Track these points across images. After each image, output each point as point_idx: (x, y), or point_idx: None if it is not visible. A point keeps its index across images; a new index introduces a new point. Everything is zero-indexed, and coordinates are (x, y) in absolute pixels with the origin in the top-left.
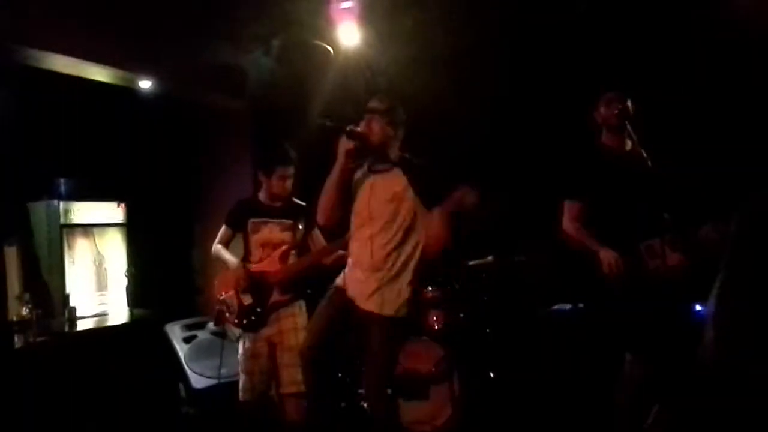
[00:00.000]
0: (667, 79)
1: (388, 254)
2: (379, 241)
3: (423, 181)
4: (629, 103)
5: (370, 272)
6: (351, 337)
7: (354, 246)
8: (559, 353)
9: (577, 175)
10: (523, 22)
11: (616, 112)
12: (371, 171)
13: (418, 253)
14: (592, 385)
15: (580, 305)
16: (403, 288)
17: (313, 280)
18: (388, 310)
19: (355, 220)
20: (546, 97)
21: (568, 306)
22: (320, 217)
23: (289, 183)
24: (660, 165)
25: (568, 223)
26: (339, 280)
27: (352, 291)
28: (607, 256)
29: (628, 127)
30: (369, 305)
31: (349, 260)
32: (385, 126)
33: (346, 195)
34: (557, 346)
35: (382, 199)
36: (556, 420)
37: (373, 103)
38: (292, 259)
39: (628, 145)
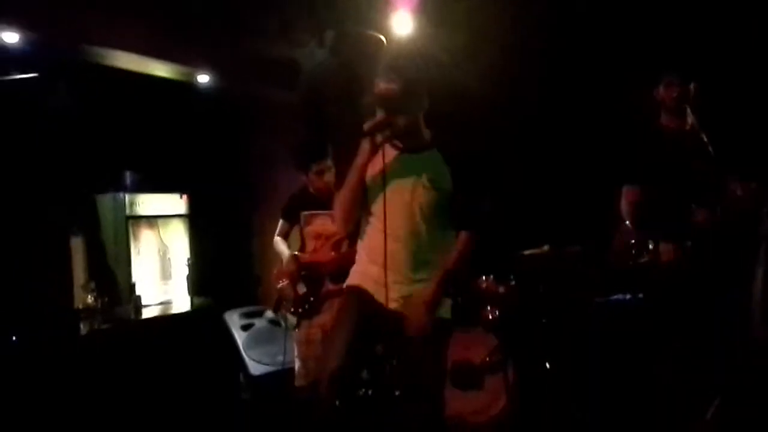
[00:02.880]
0: (730, 61)
1: (428, 263)
2: (419, 246)
3: (464, 166)
4: (691, 86)
5: (409, 285)
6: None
7: (374, 242)
8: (615, 344)
9: (635, 158)
10: (582, 4)
11: (675, 95)
12: (403, 152)
13: (466, 246)
14: (648, 375)
15: (639, 295)
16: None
17: None
18: (442, 314)
19: (377, 213)
20: (604, 81)
21: (627, 296)
22: (341, 226)
23: (327, 176)
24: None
25: (626, 208)
26: (355, 278)
27: (378, 293)
28: (665, 248)
29: (688, 110)
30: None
31: (363, 255)
32: (408, 108)
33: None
34: (614, 336)
35: (420, 186)
36: (610, 410)
37: (384, 86)
38: (344, 249)
39: (688, 125)
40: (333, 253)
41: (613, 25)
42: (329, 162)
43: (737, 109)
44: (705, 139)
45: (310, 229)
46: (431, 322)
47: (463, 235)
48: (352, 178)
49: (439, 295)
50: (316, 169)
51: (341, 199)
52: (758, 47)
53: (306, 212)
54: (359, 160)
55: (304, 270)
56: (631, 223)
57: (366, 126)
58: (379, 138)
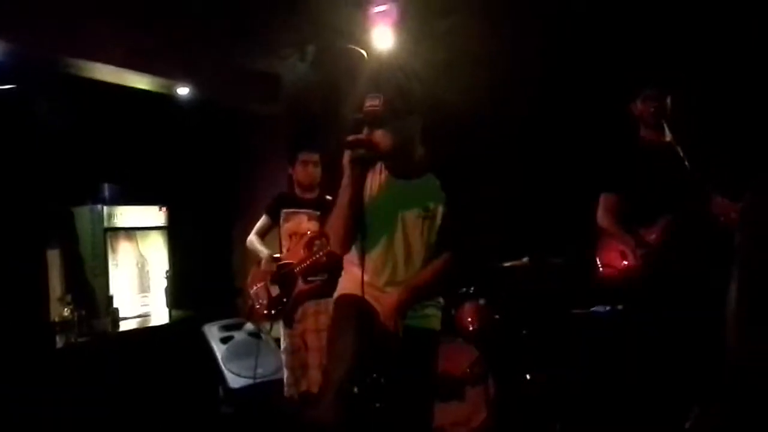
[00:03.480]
0: (709, 74)
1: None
2: (411, 269)
3: (458, 186)
4: (667, 101)
5: (395, 292)
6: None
7: (372, 268)
8: (596, 355)
9: (613, 167)
10: (559, 20)
11: (652, 109)
12: (396, 176)
13: (444, 265)
14: (631, 387)
15: (619, 307)
16: (439, 300)
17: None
18: (432, 326)
19: (372, 241)
20: (583, 94)
21: (606, 307)
22: (337, 247)
23: (312, 169)
24: (696, 163)
25: (602, 215)
26: (347, 288)
27: (374, 302)
28: (627, 242)
29: (665, 124)
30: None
31: (353, 270)
32: (391, 131)
33: (361, 211)
34: (594, 348)
35: (413, 215)
36: (592, 423)
37: (369, 105)
38: (317, 248)
39: (666, 138)
40: (305, 253)
41: (595, 40)
42: (316, 156)
43: (716, 122)
44: (680, 153)
45: (286, 227)
46: (401, 325)
47: (444, 255)
48: (342, 198)
49: (407, 302)
50: (302, 158)
51: (334, 219)
52: (737, 60)
53: (286, 210)
54: (345, 178)
55: (279, 270)
56: (605, 229)
57: (349, 138)
58: (359, 153)
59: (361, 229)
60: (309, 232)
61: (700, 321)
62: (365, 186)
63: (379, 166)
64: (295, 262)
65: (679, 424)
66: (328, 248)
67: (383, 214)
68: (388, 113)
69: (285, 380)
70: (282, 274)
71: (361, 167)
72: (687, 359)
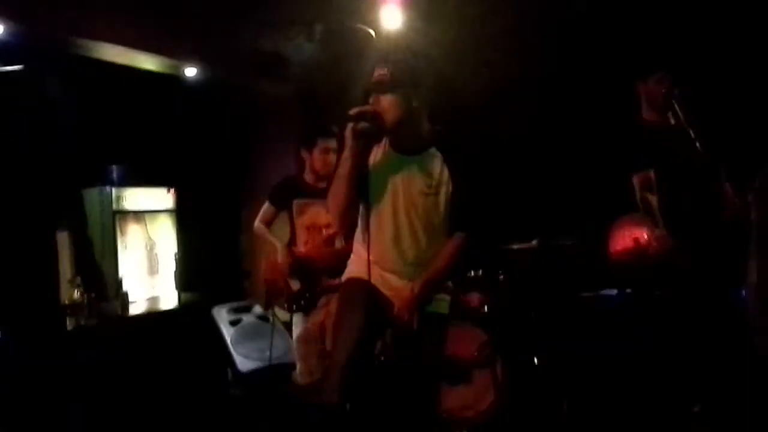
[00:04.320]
0: (719, 61)
1: (427, 261)
2: (415, 246)
3: (464, 164)
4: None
5: (406, 280)
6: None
7: (377, 247)
8: (604, 338)
9: (643, 146)
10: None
11: (664, 90)
12: (399, 151)
13: (458, 249)
14: (638, 371)
15: (628, 290)
16: (448, 284)
17: None
18: (441, 309)
19: (376, 219)
20: (593, 76)
21: (614, 291)
22: (335, 220)
23: (331, 157)
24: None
25: (641, 195)
26: (355, 271)
27: (384, 288)
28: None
29: (675, 106)
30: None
31: (365, 253)
32: (398, 100)
33: (361, 188)
34: (603, 331)
35: (416, 190)
36: (598, 406)
37: (377, 74)
38: (338, 243)
39: (672, 121)
40: (328, 248)
41: (606, 20)
42: (334, 142)
43: (727, 108)
44: (692, 136)
45: (303, 219)
46: (416, 318)
47: (457, 235)
48: (341, 169)
49: (426, 294)
50: (321, 146)
51: (333, 191)
52: (750, 48)
53: (299, 200)
54: (346, 150)
55: (298, 264)
56: (647, 209)
57: (351, 111)
58: (363, 125)
59: (364, 207)
60: (330, 227)
61: (711, 305)
62: (369, 162)
63: (384, 141)
64: (316, 257)
65: (687, 407)
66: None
67: (383, 188)
68: (396, 82)
69: (298, 370)
70: (302, 269)
71: (364, 140)
72: (696, 341)
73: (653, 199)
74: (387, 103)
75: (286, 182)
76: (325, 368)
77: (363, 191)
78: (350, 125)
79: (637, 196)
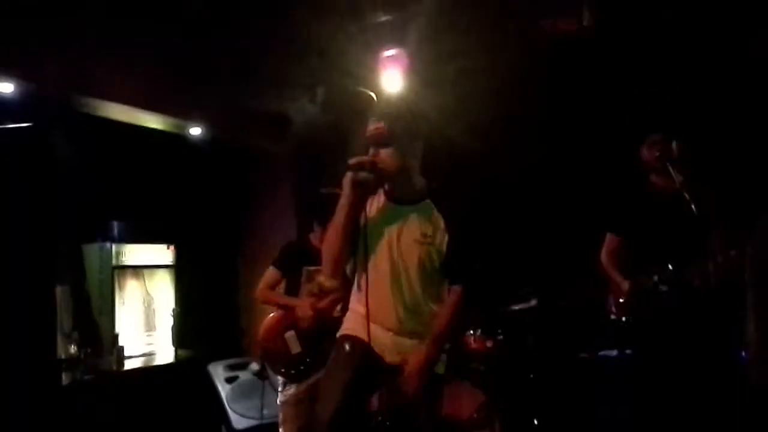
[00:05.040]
0: (715, 119)
1: (422, 314)
2: (410, 299)
3: (459, 218)
4: (673, 145)
5: (403, 337)
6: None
7: (375, 300)
8: (604, 400)
9: (617, 210)
10: (568, 67)
11: (657, 154)
12: (395, 202)
13: (458, 303)
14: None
15: (627, 351)
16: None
17: None
18: (436, 369)
19: (373, 269)
20: (591, 138)
21: (614, 352)
22: (329, 270)
23: None
24: (706, 207)
25: (604, 254)
26: (349, 328)
27: (379, 347)
28: (623, 287)
29: (670, 168)
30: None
31: (361, 308)
32: (395, 152)
33: (357, 229)
34: (602, 392)
35: (411, 239)
36: None
37: (374, 127)
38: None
39: (677, 184)
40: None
41: (603, 83)
42: None
43: (722, 165)
44: (687, 198)
45: (311, 286)
46: (425, 383)
47: (455, 290)
48: (338, 218)
49: (436, 356)
50: (320, 234)
51: (328, 239)
52: (742, 104)
53: (309, 268)
54: (343, 198)
55: (317, 321)
56: (605, 270)
57: (350, 161)
58: (361, 175)
59: (360, 261)
60: (335, 291)
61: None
62: (363, 211)
63: (379, 192)
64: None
65: None
66: None
67: (379, 238)
68: (393, 135)
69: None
70: (306, 332)
71: (362, 189)
72: (695, 403)
73: (613, 264)
74: (384, 155)
75: (292, 247)
76: (310, 425)
77: (359, 244)
78: (348, 174)
79: (603, 256)
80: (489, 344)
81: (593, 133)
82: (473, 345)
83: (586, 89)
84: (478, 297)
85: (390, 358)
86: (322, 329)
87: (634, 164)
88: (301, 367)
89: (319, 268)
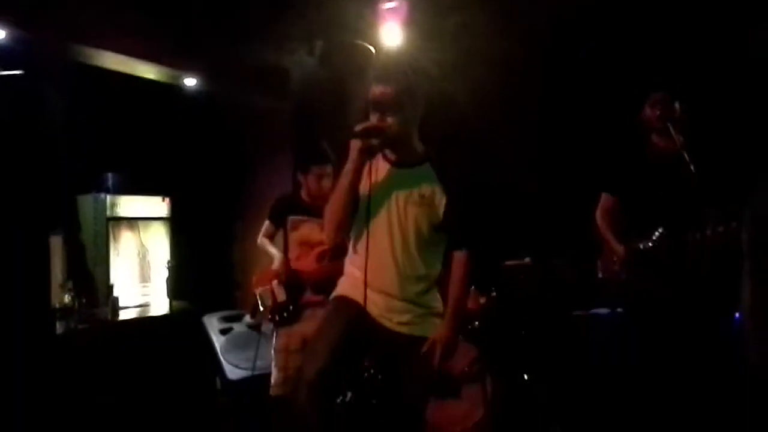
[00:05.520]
0: (718, 80)
1: (419, 278)
2: (408, 262)
3: (457, 182)
4: (676, 105)
5: (400, 302)
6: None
7: (372, 263)
8: (594, 357)
9: (614, 170)
10: (570, 22)
11: (659, 113)
12: (394, 165)
13: (467, 268)
14: (628, 390)
15: (619, 310)
16: (438, 307)
17: None
18: (427, 332)
19: (372, 232)
20: (591, 97)
21: (605, 310)
22: (331, 233)
23: (326, 182)
24: (704, 169)
25: (599, 214)
26: (344, 290)
27: (375, 310)
28: (617, 249)
29: (671, 129)
30: (402, 329)
31: (356, 272)
32: (400, 117)
33: (357, 201)
34: (593, 349)
35: (410, 201)
36: (589, 426)
37: (378, 90)
38: (327, 261)
39: (677, 145)
40: (317, 264)
41: (605, 41)
42: (329, 168)
43: (722, 127)
44: (687, 159)
45: (295, 235)
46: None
47: (461, 254)
48: (342, 182)
49: (458, 328)
50: (317, 171)
51: (331, 204)
52: (743, 66)
53: (293, 217)
54: (349, 164)
55: (290, 276)
56: (599, 229)
57: (357, 127)
58: (370, 141)
59: (357, 226)
60: (322, 244)
61: (696, 331)
62: (363, 177)
63: (378, 157)
64: (304, 272)
65: (679, 425)
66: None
67: (381, 202)
68: (398, 100)
69: (273, 379)
70: (290, 281)
71: (369, 155)
72: (685, 363)
73: (607, 224)
74: (389, 119)
75: (283, 200)
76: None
77: (360, 208)
78: (356, 141)
79: (598, 215)
80: (482, 300)
81: (594, 91)
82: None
83: (589, 47)
84: (477, 255)
85: (384, 321)
86: (307, 279)
87: (635, 123)
88: (285, 314)
89: (304, 218)
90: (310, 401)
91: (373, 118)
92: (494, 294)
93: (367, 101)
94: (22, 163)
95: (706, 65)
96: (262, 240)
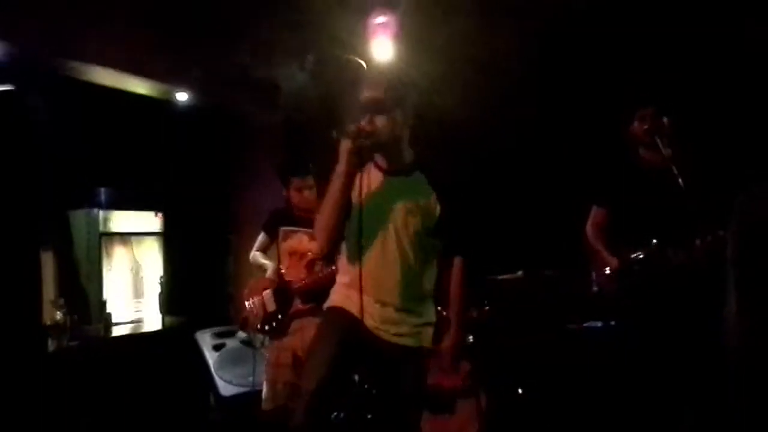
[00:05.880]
0: (706, 95)
1: (416, 288)
2: (405, 271)
3: (451, 188)
4: (664, 120)
5: (398, 313)
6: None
7: (369, 273)
8: (589, 371)
9: (604, 183)
10: (560, 36)
11: (647, 127)
12: (386, 173)
13: (463, 276)
14: (622, 404)
15: (612, 323)
16: (432, 318)
17: None
18: (425, 343)
19: (366, 242)
20: (581, 109)
21: (599, 323)
22: (321, 242)
23: (307, 194)
24: (692, 182)
25: (589, 227)
26: (337, 300)
27: (371, 321)
28: (609, 262)
29: (659, 142)
30: (399, 340)
31: (347, 279)
32: (390, 120)
33: (349, 209)
34: (587, 363)
35: (405, 210)
36: None
37: (369, 93)
38: (318, 270)
39: (665, 159)
40: (306, 273)
41: (594, 55)
42: (310, 180)
43: (710, 142)
44: (675, 173)
45: (286, 245)
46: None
47: (456, 262)
48: (333, 187)
49: (461, 336)
50: (297, 184)
51: (323, 210)
52: (733, 80)
53: (284, 228)
54: (340, 166)
55: (280, 287)
56: (590, 243)
57: (350, 127)
58: (359, 142)
59: (349, 234)
60: (311, 253)
61: (687, 337)
62: (356, 186)
63: (368, 166)
64: (294, 281)
65: None
66: (333, 270)
67: (376, 212)
68: (388, 102)
69: (264, 394)
70: (280, 291)
71: (358, 158)
72: (676, 376)
73: (599, 237)
74: (379, 122)
75: (276, 213)
76: (293, 394)
77: (353, 217)
78: (345, 142)
79: (588, 229)
80: (475, 314)
81: (583, 105)
82: None
83: (578, 60)
84: (470, 264)
85: (381, 333)
86: (295, 290)
87: (623, 137)
88: (274, 324)
89: (294, 229)
90: (307, 416)
91: (365, 121)
92: (487, 308)
93: (359, 105)
94: (12, 178)
95: (694, 76)
96: (254, 254)
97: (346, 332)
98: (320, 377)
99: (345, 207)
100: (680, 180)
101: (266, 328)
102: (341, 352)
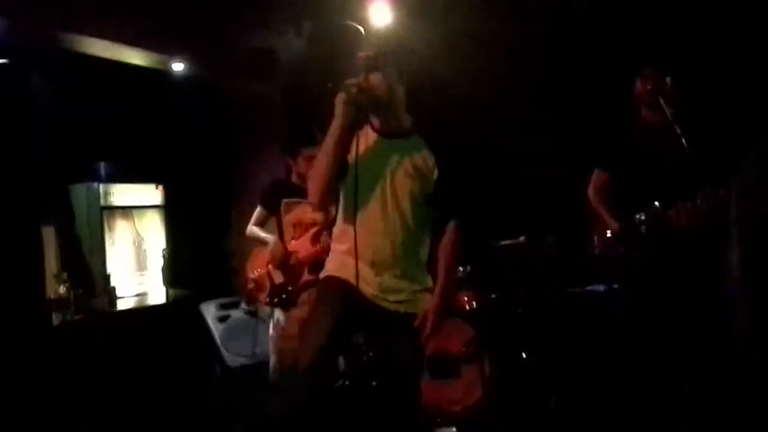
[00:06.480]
0: (708, 55)
1: (414, 252)
2: (403, 235)
3: (448, 152)
4: (667, 80)
5: (396, 279)
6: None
7: (364, 238)
8: (591, 334)
9: (608, 145)
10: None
11: (649, 87)
12: (384, 135)
13: (456, 240)
14: (624, 367)
15: (614, 286)
16: (429, 283)
17: None
18: (421, 309)
19: (363, 205)
20: (584, 73)
21: (601, 287)
22: (314, 195)
23: None
24: (695, 141)
25: (591, 191)
26: (334, 269)
27: (368, 290)
28: (611, 225)
29: (662, 102)
30: (398, 307)
31: (343, 246)
32: (385, 78)
33: (344, 165)
34: (590, 327)
35: (402, 173)
36: (586, 402)
37: (362, 55)
38: (323, 240)
39: (667, 119)
40: (312, 245)
41: (595, 18)
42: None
43: (715, 104)
44: (678, 132)
45: (289, 217)
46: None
47: (450, 226)
48: (328, 142)
49: (448, 301)
50: (306, 154)
51: (317, 165)
52: (739, 42)
53: (287, 200)
54: (335, 120)
55: (287, 257)
56: (592, 206)
57: (347, 82)
58: (355, 94)
59: (344, 199)
60: (316, 224)
61: (692, 301)
62: (352, 148)
63: (365, 128)
64: (301, 252)
65: (671, 400)
66: None
67: (372, 172)
68: (382, 61)
69: (272, 366)
70: (287, 263)
71: (354, 113)
72: (678, 338)
73: (601, 200)
74: (375, 80)
75: (275, 185)
76: (293, 366)
77: (347, 181)
78: (341, 94)
79: (590, 192)
80: (478, 303)
81: (584, 68)
82: (462, 278)
83: (579, 23)
84: (468, 232)
85: (379, 300)
86: (303, 259)
87: (625, 99)
88: (284, 296)
89: (297, 200)
90: (308, 385)
91: (362, 76)
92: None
93: (356, 64)
94: (10, 154)
95: (695, 38)
96: (251, 228)
97: (343, 302)
98: (316, 348)
99: (339, 162)
100: (683, 139)
101: (275, 300)
102: (338, 321)
